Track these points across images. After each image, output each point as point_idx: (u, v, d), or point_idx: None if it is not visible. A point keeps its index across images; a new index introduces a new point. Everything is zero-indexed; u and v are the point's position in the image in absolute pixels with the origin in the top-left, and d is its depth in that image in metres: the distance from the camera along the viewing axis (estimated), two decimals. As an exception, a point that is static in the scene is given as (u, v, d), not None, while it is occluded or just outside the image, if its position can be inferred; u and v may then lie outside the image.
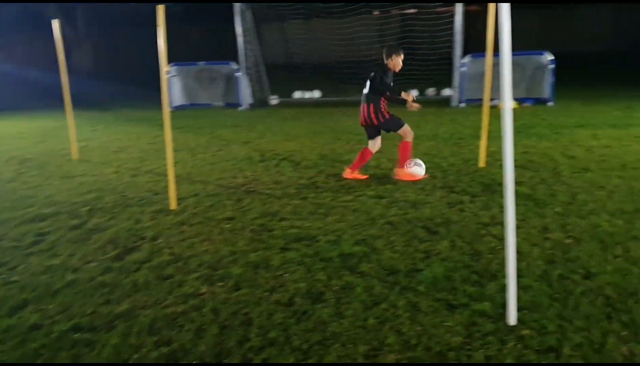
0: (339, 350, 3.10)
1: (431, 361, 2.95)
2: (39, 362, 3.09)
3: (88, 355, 3.13)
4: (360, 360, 3.00)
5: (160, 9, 5.49)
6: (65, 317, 3.57)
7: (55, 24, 8.43)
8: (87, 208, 6.00)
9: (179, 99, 15.17)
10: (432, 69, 14.34)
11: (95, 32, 32.94)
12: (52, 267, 4.39)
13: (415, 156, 7.78)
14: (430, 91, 14.70)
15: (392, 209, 5.51)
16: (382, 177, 6.74)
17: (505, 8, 2.96)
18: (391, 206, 5.61)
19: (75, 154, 8.83)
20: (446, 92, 14.14)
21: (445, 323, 3.31)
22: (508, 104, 3.09)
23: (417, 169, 6.62)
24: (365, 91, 6.45)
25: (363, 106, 6.46)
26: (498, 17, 3.03)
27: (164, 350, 3.16)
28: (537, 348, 3.02)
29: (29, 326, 3.47)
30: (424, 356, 2.99)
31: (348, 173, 6.75)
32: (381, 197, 5.92)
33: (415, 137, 9.16)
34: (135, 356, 3.11)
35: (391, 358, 3.00)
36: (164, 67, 5.74)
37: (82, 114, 12.62)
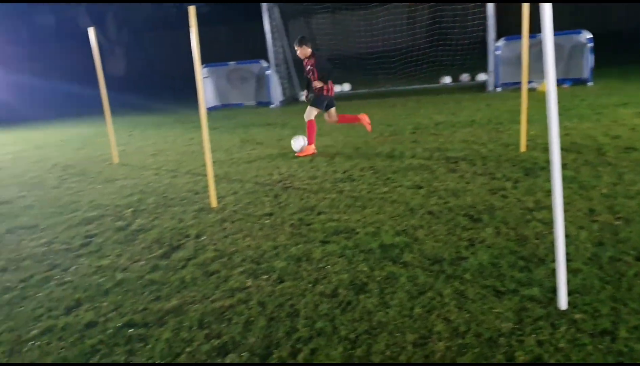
0: (387, 338, 3.10)
1: (482, 348, 2.92)
2: (96, 357, 3.18)
3: (142, 350, 3.21)
4: (410, 348, 2.99)
5: (192, 10, 5.54)
6: (118, 314, 3.66)
7: (91, 32, 8.57)
8: (131, 209, 6.13)
9: (211, 100, 15.31)
10: (464, 54, 14.16)
11: (125, 37, 33.63)
12: (102, 267, 4.51)
13: (453, 143, 7.72)
14: (465, 77, 14.51)
15: (432, 198, 5.47)
16: (418, 167, 6.69)
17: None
18: (430, 195, 5.57)
19: (115, 159, 9.03)
20: (481, 77, 13.95)
21: (494, 310, 3.27)
22: (552, 85, 3.02)
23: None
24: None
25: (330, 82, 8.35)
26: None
27: (215, 342, 3.22)
28: (590, 331, 2.96)
29: (84, 324, 3.57)
30: (474, 343, 2.96)
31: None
32: (419, 187, 5.88)
33: (452, 124, 9.12)
34: (188, 349, 3.17)
35: (441, 345, 2.98)
36: (199, 68, 5.80)
37: (117, 120, 12.84)
